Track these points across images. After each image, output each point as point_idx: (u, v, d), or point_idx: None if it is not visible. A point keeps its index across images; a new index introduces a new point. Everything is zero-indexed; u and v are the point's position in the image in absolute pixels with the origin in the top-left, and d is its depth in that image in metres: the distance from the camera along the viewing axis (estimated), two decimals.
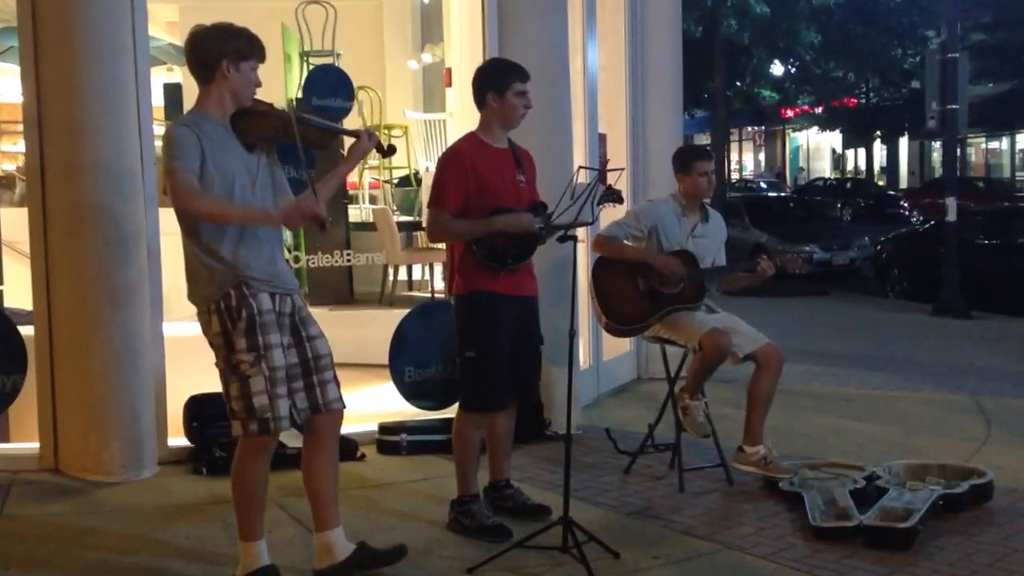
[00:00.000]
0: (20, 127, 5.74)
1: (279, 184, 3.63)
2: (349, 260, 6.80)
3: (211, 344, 3.50)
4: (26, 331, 5.12)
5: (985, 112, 26.42)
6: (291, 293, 3.57)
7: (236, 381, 3.42)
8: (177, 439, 5.18)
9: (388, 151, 3.94)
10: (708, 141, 30.00)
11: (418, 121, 9.33)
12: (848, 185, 33.80)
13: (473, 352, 4.14)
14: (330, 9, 7.01)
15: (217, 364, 3.49)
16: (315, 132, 3.65)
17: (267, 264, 3.49)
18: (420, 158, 9.15)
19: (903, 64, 30.37)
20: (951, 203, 11.50)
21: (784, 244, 14.67)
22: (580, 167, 4.57)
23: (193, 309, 3.57)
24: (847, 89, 33.79)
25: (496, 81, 4.21)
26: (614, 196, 4.27)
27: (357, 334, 6.70)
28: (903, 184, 37.00)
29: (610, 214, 5.02)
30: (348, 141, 3.78)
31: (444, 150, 4.48)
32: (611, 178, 4.27)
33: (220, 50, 3.44)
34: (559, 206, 4.03)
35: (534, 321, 4.31)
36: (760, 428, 4.79)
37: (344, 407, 3.66)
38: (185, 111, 3.72)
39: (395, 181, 9.39)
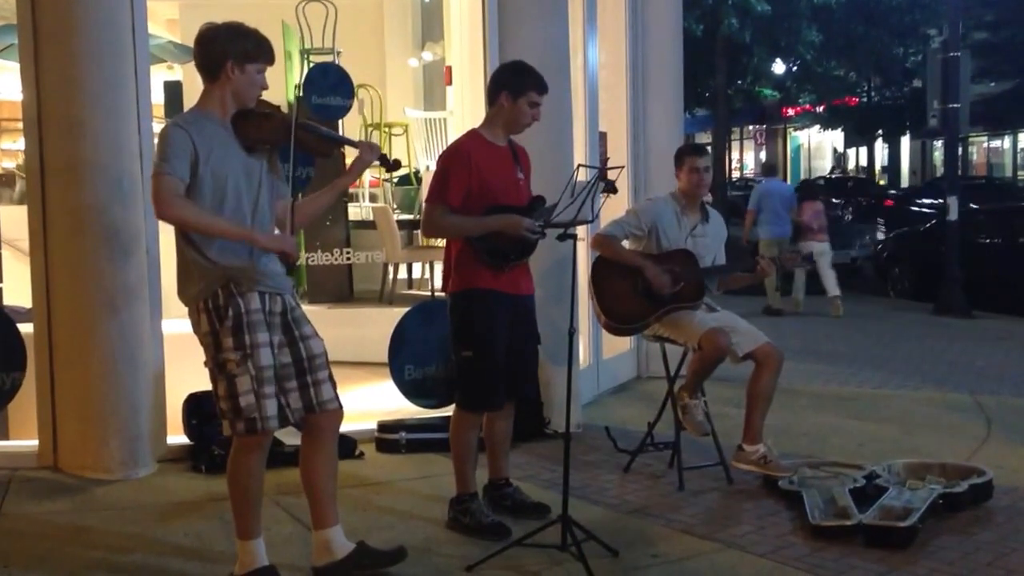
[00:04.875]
0: (19, 125, 5.73)
1: (276, 189, 3.60)
2: (349, 258, 6.79)
3: (201, 343, 3.49)
4: (25, 329, 5.13)
5: (987, 111, 26.37)
6: (282, 292, 3.53)
7: (223, 380, 3.41)
8: (176, 437, 5.18)
9: (393, 165, 3.91)
10: (709, 140, 29.92)
11: (418, 119, 9.32)
12: (849, 184, 33.73)
13: (470, 351, 4.13)
14: (330, 7, 6.99)
15: (206, 363, 3.48)
16: (315, 139, 3.61)
17: (257, 263, 3.45)
18: (420, 157, 9.14)
19: (905, 63, 30.26)
20: (952, 202, 11.50)
21: None
22: (580, 165, 4.56)
23: None
24: (848, 88, 33.66)
25: (514, 83, 4.17)
26: (608, 186, 4.21)
27: (356, 332, 6.69)
28: (904, 183, 36.92)
29: (610, 212, 5.02)
30: (351, 150, 3.74)
31: (447, 146, 4.46)
32: (611, 176, 4.25)
33: (226, 50, 3.41)
34: (559, 204, 4.01)
35: (531, 320, 4.30)
36: (760, 427, 4.79)
37: (340, 407, 3.62)
38: (186, 109, 3.71)
39: (395, 180, 9.39)
